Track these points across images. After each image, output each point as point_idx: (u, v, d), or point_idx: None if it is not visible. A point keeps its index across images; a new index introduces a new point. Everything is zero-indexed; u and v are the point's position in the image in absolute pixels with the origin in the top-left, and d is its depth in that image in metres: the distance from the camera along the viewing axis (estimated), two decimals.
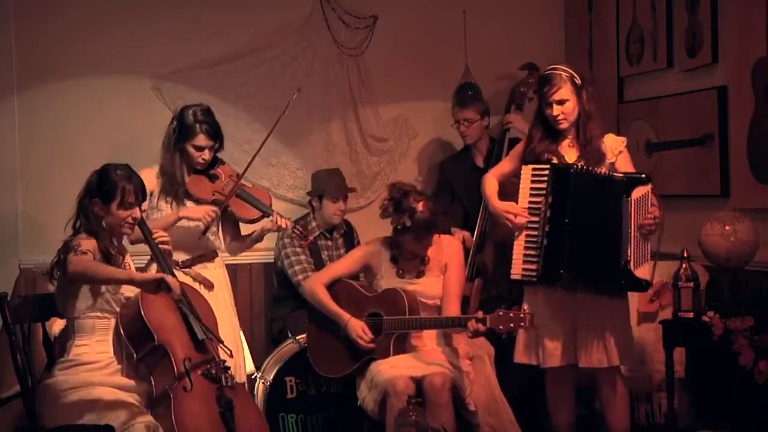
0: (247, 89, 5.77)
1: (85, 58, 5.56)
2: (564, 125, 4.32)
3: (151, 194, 4.55)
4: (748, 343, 4.21)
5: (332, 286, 4.67)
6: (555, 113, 4.29)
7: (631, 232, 4.17)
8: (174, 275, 4.09)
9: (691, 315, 4.48)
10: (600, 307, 4.29)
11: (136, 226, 4.06)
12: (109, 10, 5.59)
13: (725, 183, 4.99)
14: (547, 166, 4.30)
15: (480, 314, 4.28)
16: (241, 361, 4.68)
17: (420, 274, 4.63)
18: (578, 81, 4.30)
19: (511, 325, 4.20)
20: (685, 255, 4.54)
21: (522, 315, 4.18)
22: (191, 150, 4.55)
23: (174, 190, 4.56)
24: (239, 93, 5.75)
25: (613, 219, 4.20)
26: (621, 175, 4.26)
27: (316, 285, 4.68)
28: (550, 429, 4.56)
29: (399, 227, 4.52)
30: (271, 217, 4.59)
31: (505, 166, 4.56)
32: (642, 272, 4.21)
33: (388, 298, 4.54)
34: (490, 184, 4.50)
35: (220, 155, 4.69)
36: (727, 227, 4.48)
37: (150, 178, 4.55)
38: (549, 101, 4.29)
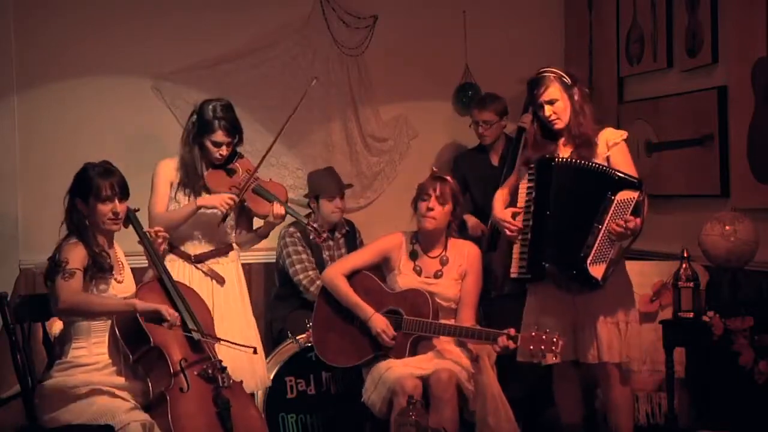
0: (248, 89, 5.76)
1: (85, 58, 5.56)
2: (559, 125, 4.29)
3: (171, 184, 4.56)
4: (748, 343, 4.21)
5: (351, 277, 4.60)
6: (547, 113, 4.27)
7: (601, 229, 4.12)
8: (167, 271, 4.11)
9: (691, 315, 4.47)
10: (598, 302, 4.25)
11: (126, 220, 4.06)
12: (109, 10, 5.59)
13: (725, 183, 4.99)
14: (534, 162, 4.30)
15: (512, 331, 4.22)
16: (259, 359, 4.58)
17: (438, 275, 4.58)
18: (567, 80, 4.28)
19: (542, 347, 4.12)
20: (685, 255, 4.53)
21: (555, 339, 4.11)
22: (209, 145, 4.53)
23: (192, 183, 4.56)
24: (239, 93, 5.73)
25: (590, 210, 4.15)
26: (615, 172, 4.18)
27: (336, 275, 4.61)
28: (558, 428, 4.55)
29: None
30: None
31: (513, 177, 4.54)
32: (595, 270, 4.13)
33: (410, 297, 4.48)
34: (499, 195, 4.49)
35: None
36: (727, 227, 4.48)
37: (170, 168, 4.58)
38: (540, 102, 4.28)
